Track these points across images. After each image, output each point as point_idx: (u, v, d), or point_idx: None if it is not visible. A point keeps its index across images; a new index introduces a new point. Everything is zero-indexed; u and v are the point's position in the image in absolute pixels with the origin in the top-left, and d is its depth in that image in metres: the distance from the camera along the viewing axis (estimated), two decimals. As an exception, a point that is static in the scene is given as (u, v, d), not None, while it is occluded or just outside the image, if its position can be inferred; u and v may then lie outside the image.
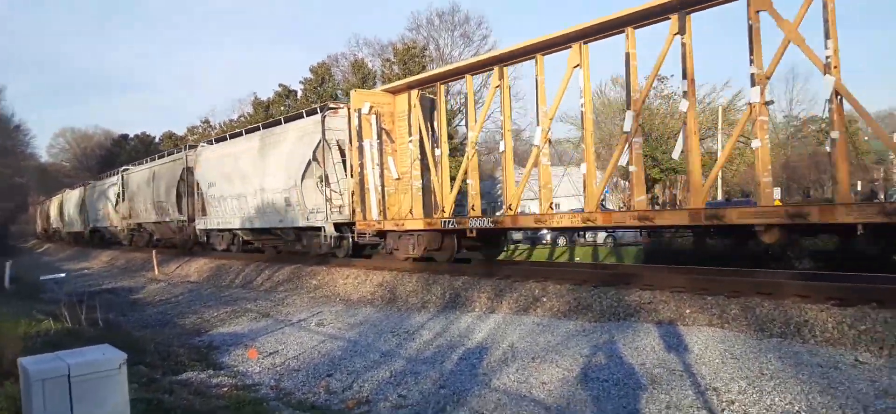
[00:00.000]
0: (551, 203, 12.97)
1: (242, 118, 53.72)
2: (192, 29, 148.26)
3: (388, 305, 12.88)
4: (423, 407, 7.27)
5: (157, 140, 74.05)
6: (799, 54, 9.14)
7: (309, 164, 17.97)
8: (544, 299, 10.84)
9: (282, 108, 45.90)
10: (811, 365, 6.71)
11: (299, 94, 48.28)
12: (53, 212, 55.61)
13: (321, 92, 44.80)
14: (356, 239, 16.99)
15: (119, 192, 35.22)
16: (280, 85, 50.47)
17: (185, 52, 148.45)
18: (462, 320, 10.79)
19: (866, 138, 40.74)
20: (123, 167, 37.73)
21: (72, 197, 47.82)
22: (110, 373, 3.48)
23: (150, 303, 18.47)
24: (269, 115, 43.30)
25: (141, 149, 67.94)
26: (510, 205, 13.56)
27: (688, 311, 8.92)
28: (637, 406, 6.53)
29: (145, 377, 8.44)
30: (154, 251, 27.16)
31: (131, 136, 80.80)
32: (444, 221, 14.30)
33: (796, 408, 5.94)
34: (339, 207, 17.55)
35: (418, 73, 23.83)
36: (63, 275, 25.03)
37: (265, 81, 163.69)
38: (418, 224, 15.09)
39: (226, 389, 8.25)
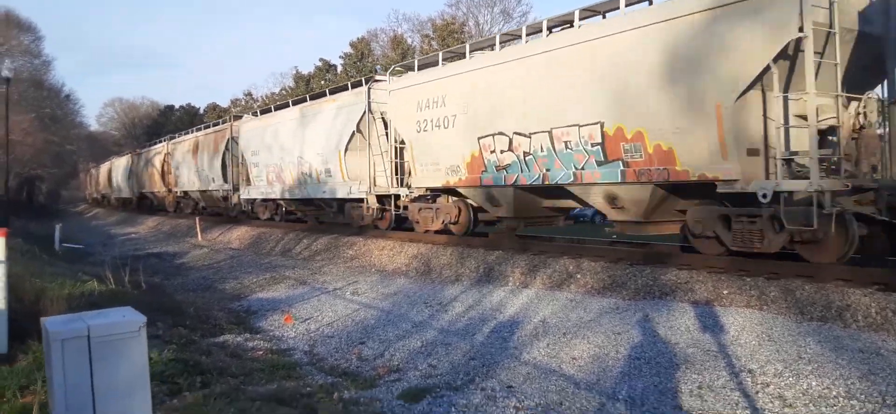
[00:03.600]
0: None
1: (284, 91, 54.33)
2: (236, 4, 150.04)
3: (423, 277, 12.96)
4: (453, 377, 7.31)
5: (201, 111, 75.48)
6: None
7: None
8: (578, 276, 10.77)
9: (322, 82, 46.27)
10: (852, 350, 6.53)
11: (339, 68, 48.57)
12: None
13: (360, 67, 44.98)
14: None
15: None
16: (320, 59, 50.96)
17: (229, 26, 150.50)
18: (495, 294, 10.80)
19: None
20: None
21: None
22: (131, 334, 3.57)
23: (193, 267, 18.94)
24: (310, 88, 43.68)
25: (186, 119, 69.37)
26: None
27: (725, 291, 8.75)
28: (668, 385, 6.46)
29: (185, 338, 8.69)
30: (198, 218, 27.84)
31: (177, 107, 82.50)
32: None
33: (834, 393, 5.79)
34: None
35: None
36: (81, 246, 25.56)
37: (306, 56, 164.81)
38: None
39: (261, 352, 8.44)
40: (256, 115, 26.37)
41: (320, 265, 15.94)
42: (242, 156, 25.61)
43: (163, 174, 36.66)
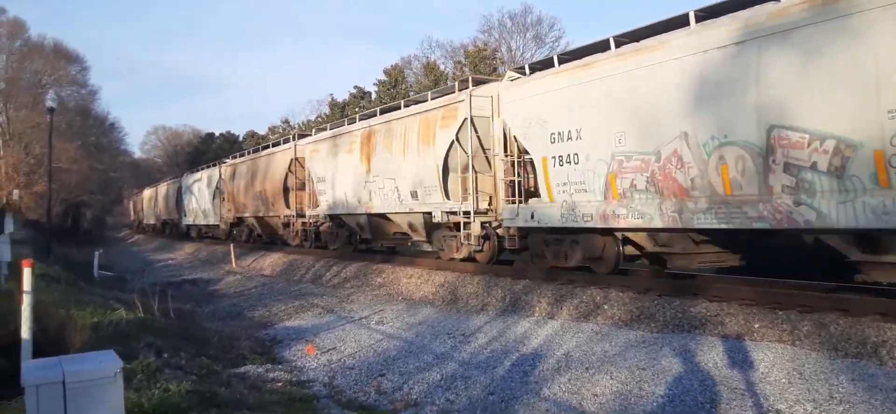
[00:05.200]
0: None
1: (319, 118, 55.10)
2: (269, 34, 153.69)
3: (448, 306, 12.85)
4: (470, 412, 7.17)
5: (240, 139, 76.96)
6: None
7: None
8: (605, 307, 10.53)
9: (356, 108, 46.76)
10: (887, 389, 6.20)
11: (373, 95, 49.08)
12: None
13: (394, 94, 45.37)
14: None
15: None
16: (355, 87, 51.50)
17: (266, 55, 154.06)
18: (520, 325, 10.62)
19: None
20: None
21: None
22: (106, 380, 3.56)
23: (225, 295, 19.17)
24: (345, 114, 44.19)
25: (226, 147, 70.83)
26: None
27: (757, 325, 8.43)
28: (692, 424, 6.22)
29: (206, 369, 8.72)
30: (232, 245, 28.19)
31: (217, 134, 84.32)
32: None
33: (867, 436, 5.50)
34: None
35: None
36: (112, 273, 25.28)
37: (340, 83, 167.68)
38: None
39: (280, 383, 8.42)
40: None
41: (349, 293, 15.95)
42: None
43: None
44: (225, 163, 33.77)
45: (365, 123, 19.17)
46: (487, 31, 48.49)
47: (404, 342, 10.60)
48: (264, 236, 28.83)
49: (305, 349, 10.69)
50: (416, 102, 17.38)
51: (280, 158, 25.74)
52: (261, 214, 27.74)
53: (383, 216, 18.17)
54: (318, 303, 15.20)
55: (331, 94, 58.51)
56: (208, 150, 75.25)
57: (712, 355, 7.76)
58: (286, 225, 25.43)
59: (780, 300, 9.05)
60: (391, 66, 48.72)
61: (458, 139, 14.61)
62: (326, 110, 54.98)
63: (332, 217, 21.41)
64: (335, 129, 21.67)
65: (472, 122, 14.28)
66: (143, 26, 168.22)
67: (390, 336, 11.14)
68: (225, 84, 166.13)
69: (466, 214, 14.40)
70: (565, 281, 12.28)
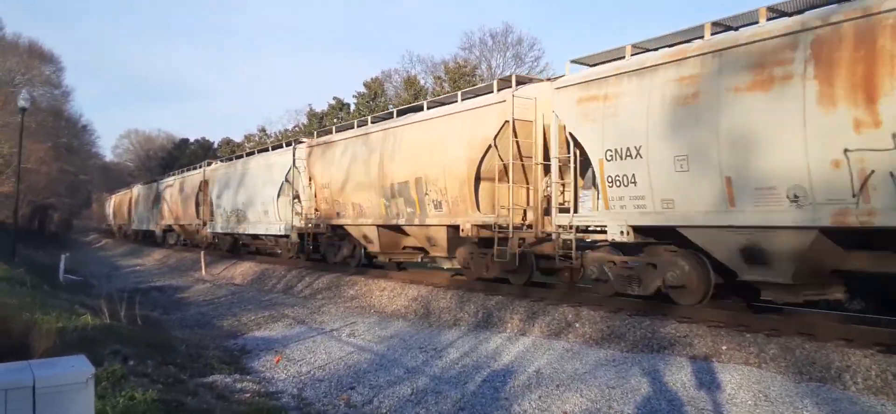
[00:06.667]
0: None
1: (297, 128, 54.78)
2: (249, 41, 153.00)
3: (421, 320, 12.81)
4: (440, 428, 7.15)
5: (215, 146, 76.18)
6: None
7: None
8: (577, 325, 10.58)
9: (335, 120, 46.60)
10: (850, 414, 6.32)
11: (352, 107, 48.99)
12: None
13: (373, 106, 45.34)
14: None
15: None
16: (334, 98, 51.31)
17: (243, 63, 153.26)
18: (492, 341, 10.63)
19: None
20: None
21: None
22: (76, 386, 3.48)
23: (193, 303, 18.88)
24: (322, 124, 43.99)
25: (200, 153, 69.98)
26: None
27: (724, 347, 8.54)
28: (659, 444, 6.26)
29: (173, 378, 8.57)
30: (202, 252, 27.82)
31: (191, 140, 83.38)
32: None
33: (829, 459, 5.59)
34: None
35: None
36: (80, 278, 24.78)
37: (319, 94, 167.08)
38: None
39: (248, 394, 8.31)
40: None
41: (320, 304, 15.82)
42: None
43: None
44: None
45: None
46: (468, 48, 48.75)
47: (375, 355, 10.54)
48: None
49: (274, 360, 10.57)
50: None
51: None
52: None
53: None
54: (289, 314, 15.05)
55: (309, 105, 58.28)
56: (182, 155, 74.32)
57: (680, 376, 7.84)
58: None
59: (748, 323, 9.20)
60: (371, 78, 48.69)
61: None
62: (304, 120, 54.69)
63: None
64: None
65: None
66: (120, 28, 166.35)
67: (361, 349, 11.07)
68: (201, 90, 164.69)
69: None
70: (538, 298, 12.32)
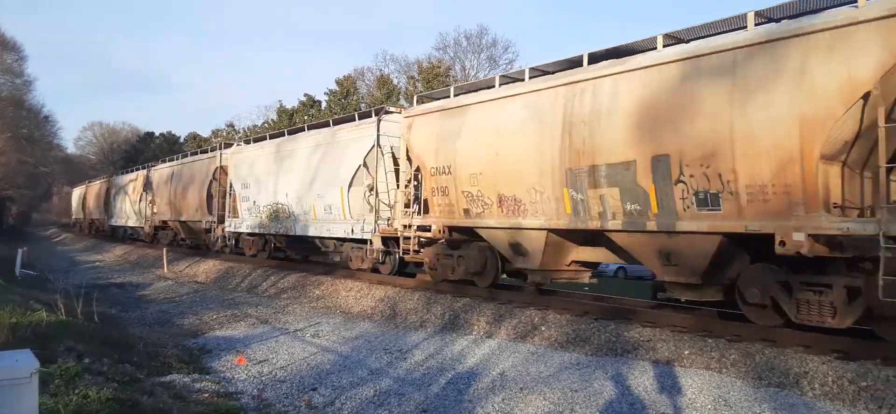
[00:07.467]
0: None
1: (266, 124, 54.17)
2: (220, 36, 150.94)
3: (387, 321, 12.71)
4: (402, 430, 7.07)
5: (181, 140, 74.91)
6: None
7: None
8: (543, 328, 10.60)
9: (305, 117, 46.19)
10: (806, 419, 6.41)
11: (324, 104, 48.60)
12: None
13: (345, 104, 45.03)
14: None
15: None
16: (305, 95, 50.86)
17: (213, 57, 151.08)
18: (457, 343, 10.58)
19: None
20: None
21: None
22: (20, 382, 3.33)
23: (154, 300, 18.48)
24: (293, 122, 43.47)
25: (166, 147, 68.74)
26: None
27: (686, 352, 8.62)
28: (621, 448, 6.27)
29: (129, 376, 8.35)
30: (165, 249, 27.28)
31: (157, 134, 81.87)
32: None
33: (787, 464, 5.65)
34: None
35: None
36: (35, 272, 23.56)
37: (289, 91, 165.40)
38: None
39: (207, 394, 8.12)
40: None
41: (285, 304, 15.60)
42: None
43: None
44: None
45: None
46: (443, 49, 48.87)
47: (339, 356, 10.41)
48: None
49: (235, 360, 10.37)
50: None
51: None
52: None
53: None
54: (253, 313, 14.80)
55: (279, 101, 57.62)
56: (147, 149, 72.92)
57: (643, 380, 7.89)
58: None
59: (711, 328, 9.30)
60: (344, 76, 48.38)
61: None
62: (274, 117, 54.07)
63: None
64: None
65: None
66: (86, 18, 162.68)
67: (325, 350, 10.92)
68: (168, 85, 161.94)
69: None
70: (505, 301, 12.31)
